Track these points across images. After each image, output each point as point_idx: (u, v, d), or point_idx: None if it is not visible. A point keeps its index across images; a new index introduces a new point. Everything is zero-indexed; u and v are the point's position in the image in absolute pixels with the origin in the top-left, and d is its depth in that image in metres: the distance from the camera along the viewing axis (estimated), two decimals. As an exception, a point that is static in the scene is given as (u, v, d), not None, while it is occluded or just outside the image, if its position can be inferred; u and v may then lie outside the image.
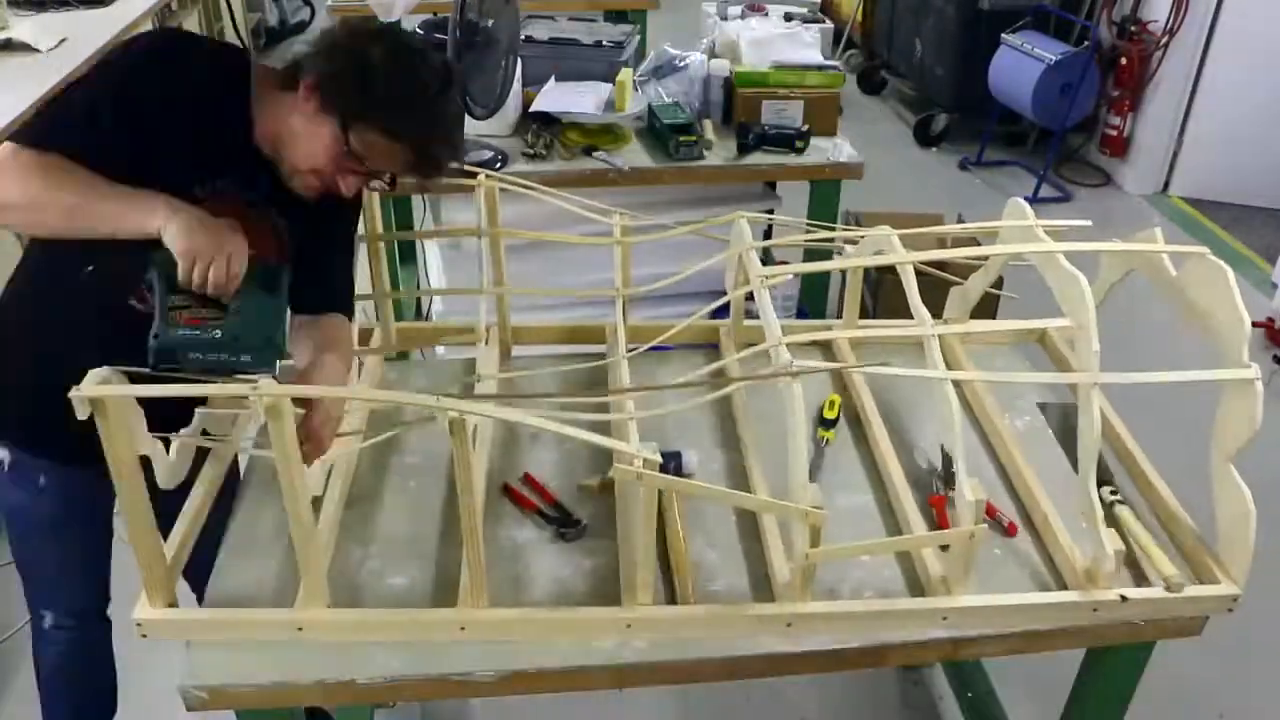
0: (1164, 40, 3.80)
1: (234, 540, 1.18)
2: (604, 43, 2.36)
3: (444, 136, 1.10)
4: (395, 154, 1.07)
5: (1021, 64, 3.84)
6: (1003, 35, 3.87)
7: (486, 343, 1.37)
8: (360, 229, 1.33)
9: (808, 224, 1.43)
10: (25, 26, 2.94)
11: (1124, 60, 3.86)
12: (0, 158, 1.01)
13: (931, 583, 1.12)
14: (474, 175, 1.36)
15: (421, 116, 1.05)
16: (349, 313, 1.26)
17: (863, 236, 1.29)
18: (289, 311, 1.06)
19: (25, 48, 2.83)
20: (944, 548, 1.10)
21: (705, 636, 1.06)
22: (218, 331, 0.98)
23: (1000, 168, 4.21)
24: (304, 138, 1.07)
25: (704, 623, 1.07)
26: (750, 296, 1.18)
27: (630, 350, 1.28)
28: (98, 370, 0.90)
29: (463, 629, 1.04)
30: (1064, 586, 1.13)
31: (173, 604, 1.05)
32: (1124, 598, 1.10)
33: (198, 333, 0.97)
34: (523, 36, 2.27)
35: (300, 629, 1.03)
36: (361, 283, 1.33)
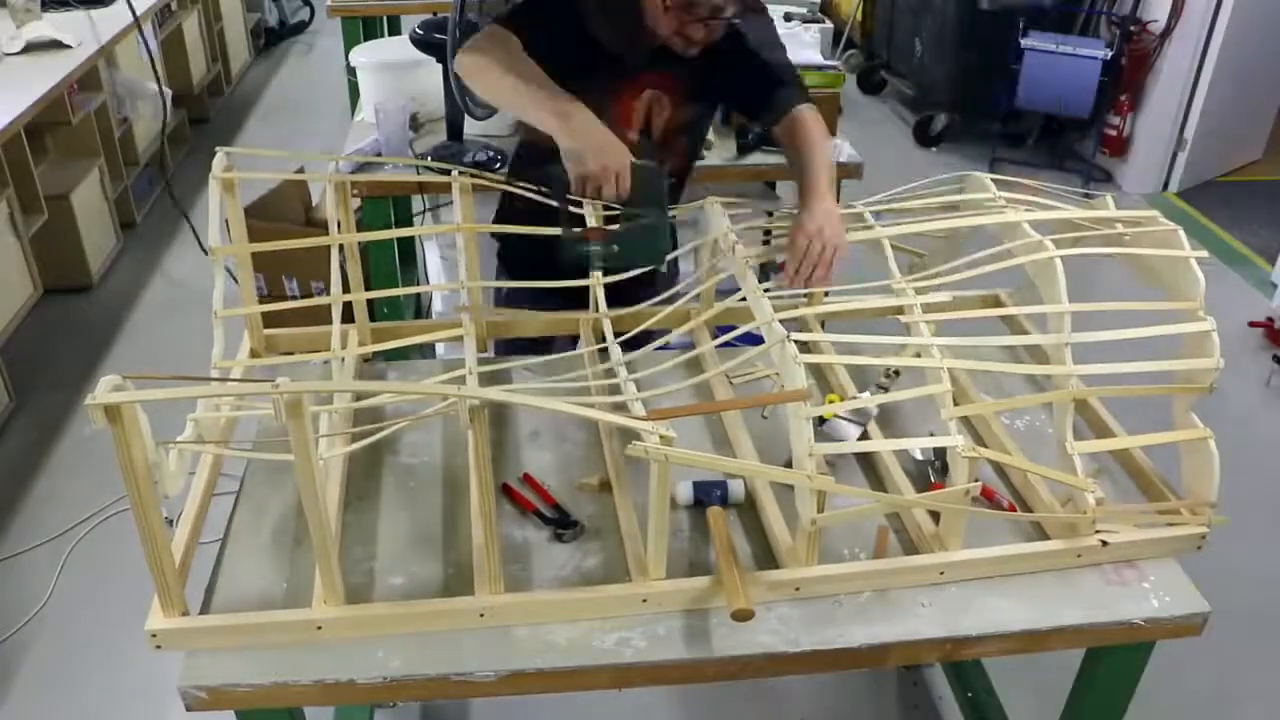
0: (1163, 38, 3.84)
1: (235, 543, 1.18)
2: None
3: None
4: None
5: (1066, 64, 3.84)
6: (1022, 41, 3.88)
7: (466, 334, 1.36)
8: (337, 231, 1.37)
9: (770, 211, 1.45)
10: (44, 25, 3.07)
11: (1124, 60, 3.90)
12: (486, 33, 1.29)
13: (925, 541, 1.15)
14: (448, 173, 1.39)
15: None
16: (806, 99, 1.43)
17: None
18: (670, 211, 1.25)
19: (57, 44, 3.03)
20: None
21: (716, 605, 1.08)
22: (614, 246, 1.22)
23: (1006, 166, 4.22)
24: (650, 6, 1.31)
25: (716, 591, 1.08)
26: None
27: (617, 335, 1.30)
28: (110, 377, 0.91)
29: (482, 615, 1.05)
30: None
31: (185, 612, 1.05)
32: (1104, 543, 1.15)
33: (597, 248, 1.24)
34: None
35: (320, 628, 1.04)
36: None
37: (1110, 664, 1.21)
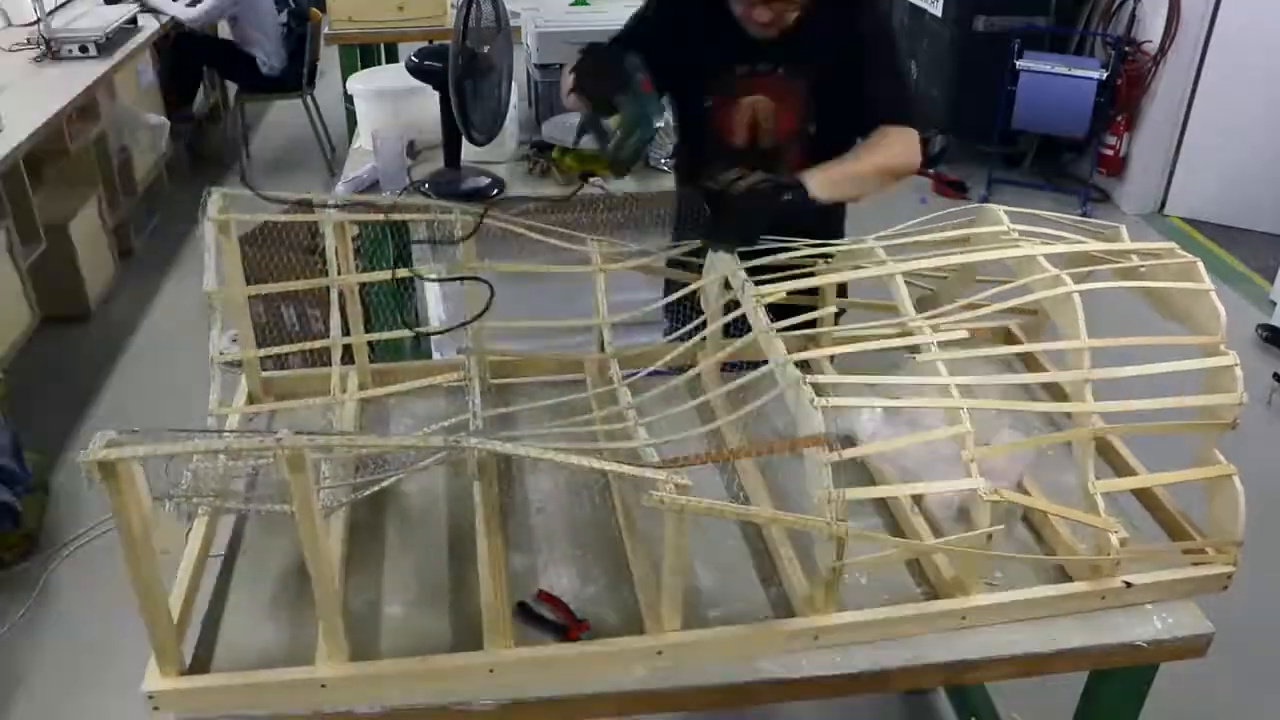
0: (1158, 59, 3.86)
1: (234, 596, 1.16)
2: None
3: None
4: None
5: (1062, 85, 3.86)
6: (1017, 63, 3.90)
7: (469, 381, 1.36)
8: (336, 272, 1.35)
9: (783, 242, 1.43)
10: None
11: (1119, 80, 3.91)
12: None
13: (945, 585, 1.13)
14: (450, 211, 1.37)
15: None
16: (898, 121, 1.45)
17: (840, 249, 1.30)
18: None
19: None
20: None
21: (733, 656, 1.06)
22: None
23: (1004, 187, 4.22)
24: None
25: (735, 643, 1.07)
26: (737, 323, 1.18)
27: (625, 376, 1.29)
28: (103, 432, 0.89)
29: (492, 671, 1.03)
30: (1069, 581, 1.15)
31: (183, 671, 1.02)
32: (1128, 584, 1.13)
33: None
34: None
35: (324, 686, 1.01)
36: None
37: (1114, 686, 1.20)
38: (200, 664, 1.06)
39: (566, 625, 1.10)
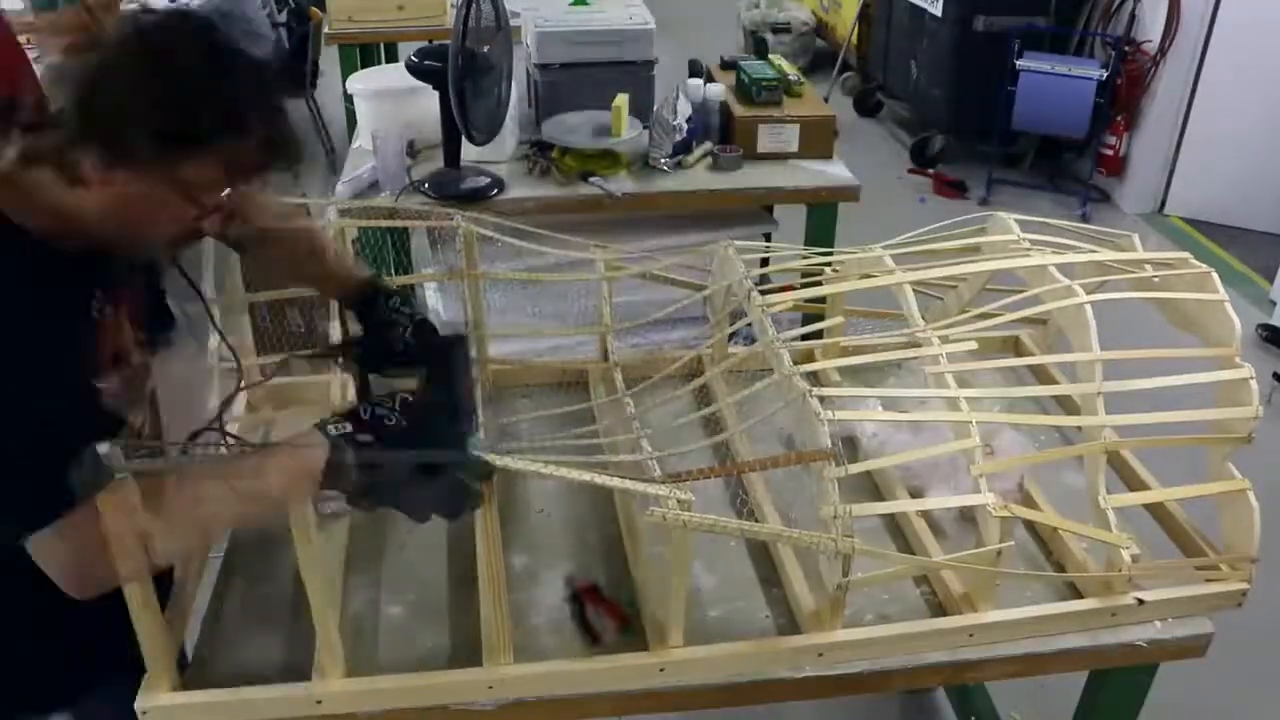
0: (1158, 59, 3.84)
1: (229, 611, 1.14)
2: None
3: (272, 105, 0.86)
4: (245, 156, 0.85)
5: (1061, 85, 3.84)
6: (1017, 63, 3.87)
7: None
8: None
9: (783, 248, 1.42)
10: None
11: (1119, 80, 3.90)
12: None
13: (953, 601, 1.12)
14: (452, 217, 1.35)
15: (244, 97, 0.83)
16: None
17: (847, 257, 1.28)
18: None
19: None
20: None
21: (736, 671, 1.06)
22: None
23: (1004, 187, 4.21)
24: (140, 214, 0.84)
25: (738, 660, 1.06)
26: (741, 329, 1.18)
27: (626, 389, 1.28)
28: (97, 444, 0.84)
29: (491, 688, 1.02)
30: (1079, 596, 1.14)
31: (177, 686, 1.01)
32: (1140, 601, 1.11)
33: None
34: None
35: (319, 702, 1.00)
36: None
37: (1113, 686, 1.20)
38: (195, 678, 1.05)
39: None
